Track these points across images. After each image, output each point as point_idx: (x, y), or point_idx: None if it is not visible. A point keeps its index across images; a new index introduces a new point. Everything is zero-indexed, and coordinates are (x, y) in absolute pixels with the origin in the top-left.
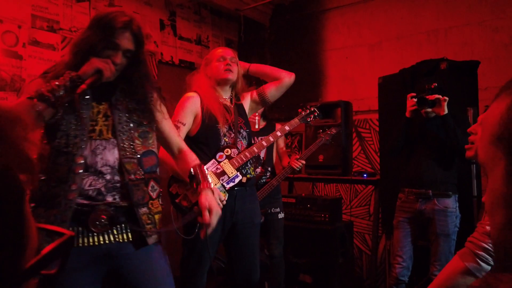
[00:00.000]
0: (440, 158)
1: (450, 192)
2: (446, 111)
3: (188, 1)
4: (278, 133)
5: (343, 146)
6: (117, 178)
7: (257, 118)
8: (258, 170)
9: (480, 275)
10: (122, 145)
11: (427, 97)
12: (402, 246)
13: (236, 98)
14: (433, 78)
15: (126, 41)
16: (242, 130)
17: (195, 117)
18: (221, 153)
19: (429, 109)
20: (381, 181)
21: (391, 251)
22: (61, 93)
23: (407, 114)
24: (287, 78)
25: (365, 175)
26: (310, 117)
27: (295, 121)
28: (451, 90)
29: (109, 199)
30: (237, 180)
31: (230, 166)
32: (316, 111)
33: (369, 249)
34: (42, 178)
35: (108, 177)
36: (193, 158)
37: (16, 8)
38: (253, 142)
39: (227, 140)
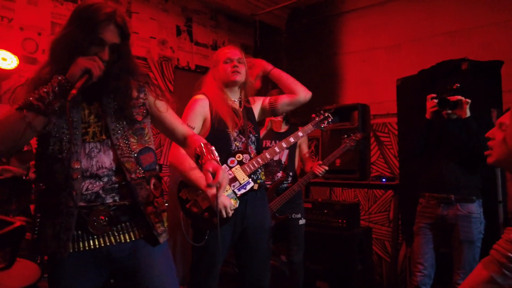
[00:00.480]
0: (462, 161)
1: (474, 196)
2: (468, 114)
3: (204, 7)
4: (291, 139)
5: (361, 150)
6: (115, 179)
7: (279, 119)
8: (279, 174)
9: (505, 285)
10: (117, 144)
11: (449, 98)
12: (423, 253)
13: (246, 100)
14: (454, 79)
15: (111, 35)
16: (251, 135)
17: (204, 121)
18: (233, 158)
19: (450, 111)
20: (400, 185)
21: (412, 258)
22: (50, 99)
23: (428, 116)
24: (303, 95)
25: (384, 180)
26: (324, 123)
27: (309, 127)
28: (473, 92)
29: (109, 200)
30: (248, 187)
31: (242, 172)
32: (330, 117)
33: (389, 256)
34: (43, 187)
35: (105, 179)
36: (197, 139)
37: (36, 16)
38: (262, 146)
39: (238, 145)
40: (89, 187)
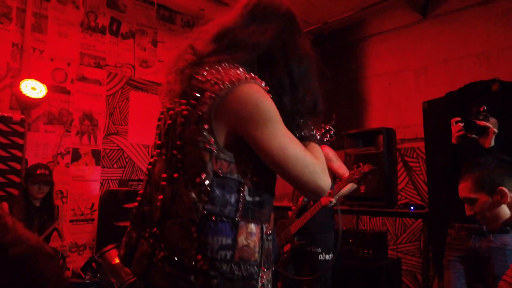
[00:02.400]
0: None
1: (509, 227)
2: (492, 144)
3: None
4: None
5: (386, 176)
6: None
7: None
8: (300, 199)
9: None
10: None
11: (477, 121)
12: None
13: None
14: (484, 101)
15: None
16: None
17: None
18: None
19: (477, 136)
20: (430, 214)
21: None
22: None
23: (453, 141)
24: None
25: (412, 208)
26: (327, 136)
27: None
28: (504, 114)
29: None
30: None
31: None
32: (331, 129)
33: None
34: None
35: None
36: None
37: (66, 47)
38: None
39: None
40: None
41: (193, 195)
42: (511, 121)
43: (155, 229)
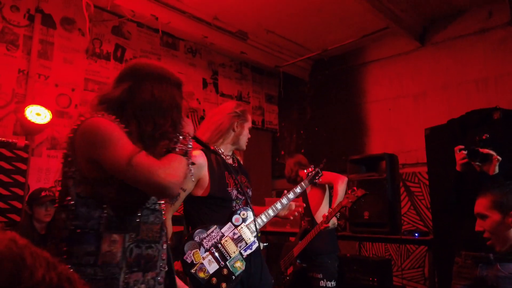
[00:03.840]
0: None
1: None
2: (496, 171)
3: (230, 60)
4: (284, 201)
5: (390, 202)
6: None
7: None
8: (303, 222)
9: None
10: None
11: (480, 149)
12: None
13: (235, 157)
14: (486, 128)
15: None
16: (248, 190)
17: (200, 180)
18: (237, 216)
19: (480, 163)
20: (435, 240)
21: None
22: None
23: (458, 168)
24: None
25: (416, 235)
26: (316, 178)
27: (305, 182)
28: (506, 142)
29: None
30: (254, 247)
31: (248, 231)
32: (320, 172)
33: None
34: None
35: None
36: None
37: (71, 73)
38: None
39: (239, 202)
40: None
41: (63, 215)
42: None
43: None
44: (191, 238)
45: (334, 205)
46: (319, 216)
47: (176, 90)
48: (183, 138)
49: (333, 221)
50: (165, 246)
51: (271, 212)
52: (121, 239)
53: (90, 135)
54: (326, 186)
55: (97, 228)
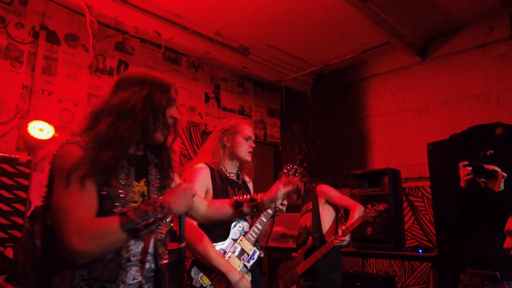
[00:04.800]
0: None
1: None
2: (501, 187)
3: (232, 75)
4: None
5: (393, 217)
6: (152, 266)
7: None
8: (309, 241)
9: None
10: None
11: (484, 166)
12: None
13: (241, 175)
14: (488, 144)
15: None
16: None
17: (206, 192)
18: (235, 230)
19: (485, 180)
20: (439, 257)
21: None
22: (152, 227)
23: (462, 184)
24: None
25: (420, 251)
26: (296, 174)
27: (287, 177)
28: (509, 158)
29: None
30: (256, 256)
31: (248, 242)
32: (298, 169)
33: None
34: (86, 277)
35: (147, 265)
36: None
37: (74, 89)
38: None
39: (237, 218)
40: (135, 275)
41: (34, 242)
42: None
43: None
44: (195, 263)
45: (350, 222)
46: (326, 235)
47: (157, 92)
48: (149, 204)
49: (348, 237)
50: (122, 286)
51: (263, 218)
52: (70, 276)
53: (53, 166)
54: (337, 208)
55: (51, 262)
